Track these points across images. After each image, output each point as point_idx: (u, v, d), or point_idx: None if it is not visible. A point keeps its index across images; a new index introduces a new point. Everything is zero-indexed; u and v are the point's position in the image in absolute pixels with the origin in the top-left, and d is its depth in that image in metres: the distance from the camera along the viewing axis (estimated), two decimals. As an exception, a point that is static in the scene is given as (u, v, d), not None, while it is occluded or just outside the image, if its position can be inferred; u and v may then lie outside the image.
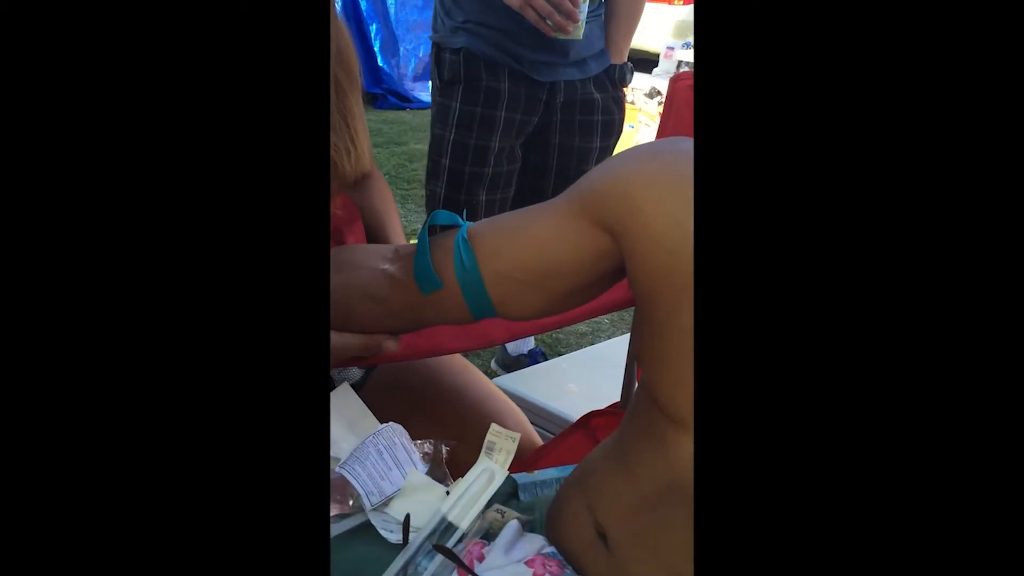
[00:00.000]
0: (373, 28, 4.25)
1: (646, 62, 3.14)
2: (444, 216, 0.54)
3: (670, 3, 3.96)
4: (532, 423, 1.31)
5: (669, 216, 0.48)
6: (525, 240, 0.52)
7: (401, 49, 4.31)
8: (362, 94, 0.73)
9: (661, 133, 0.76)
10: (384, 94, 4.30)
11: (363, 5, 4.12)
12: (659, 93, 3.15)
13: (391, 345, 0.56)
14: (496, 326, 0.72)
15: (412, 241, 0.59)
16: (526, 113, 1.24)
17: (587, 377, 1.40)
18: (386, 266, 0.54)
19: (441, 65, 1.24)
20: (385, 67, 4.30)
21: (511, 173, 1.28)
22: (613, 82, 1.31)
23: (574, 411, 1.16)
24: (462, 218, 0.54)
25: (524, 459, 0.79)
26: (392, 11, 4.22)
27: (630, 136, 3.04)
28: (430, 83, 1.34)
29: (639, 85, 3.18)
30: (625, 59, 1.34)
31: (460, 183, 1.26)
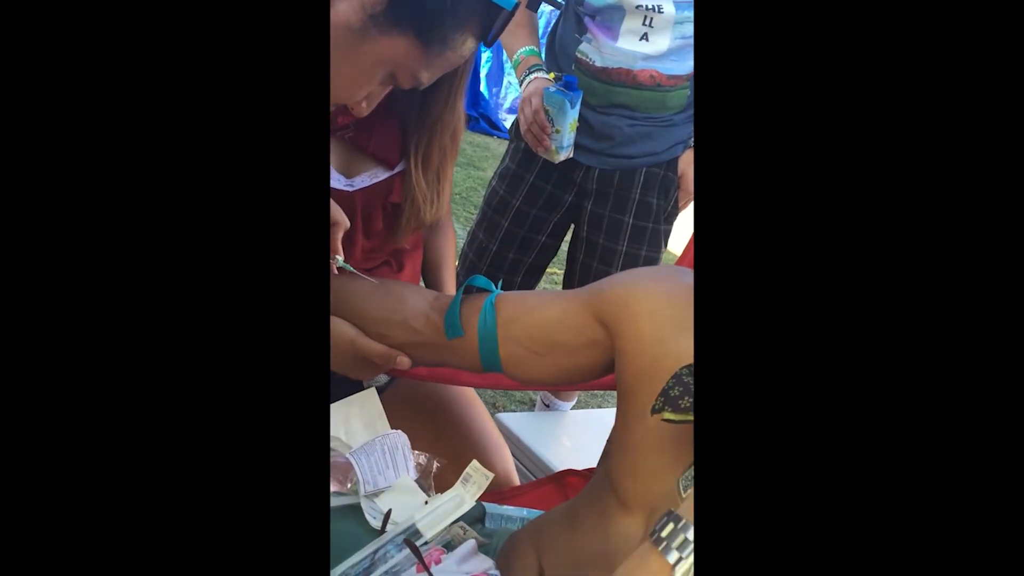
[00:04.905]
0: (486, 55, 4.49)
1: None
2: (481, 280, 0.67)
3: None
4: (518, 461, 1.42)
5: (657, 332, 0.58)
6: (538, 317, 0.64)
7: (505, 80, 4.54)
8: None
9: (681, 260, 0.87)
10: (478, 117, 4.53)
11: (482, 33, 4.40)
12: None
13: (404, 362, 0.69)
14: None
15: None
16: (557, 187, 1.29)
17: (582, 436, 1.50)
18: (426, 306, 0.68)
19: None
20: (486, 93, 4.54)
21: (529, 240, 1.33)
22: (663, 188, 1.25)
23: (559, 463, 1.27)
24: (495, 286, 0.67)
25: (500, 492, 0.90)
26: (506, 45, 4.47)
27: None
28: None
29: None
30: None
31: (482, 222, 1.37)
